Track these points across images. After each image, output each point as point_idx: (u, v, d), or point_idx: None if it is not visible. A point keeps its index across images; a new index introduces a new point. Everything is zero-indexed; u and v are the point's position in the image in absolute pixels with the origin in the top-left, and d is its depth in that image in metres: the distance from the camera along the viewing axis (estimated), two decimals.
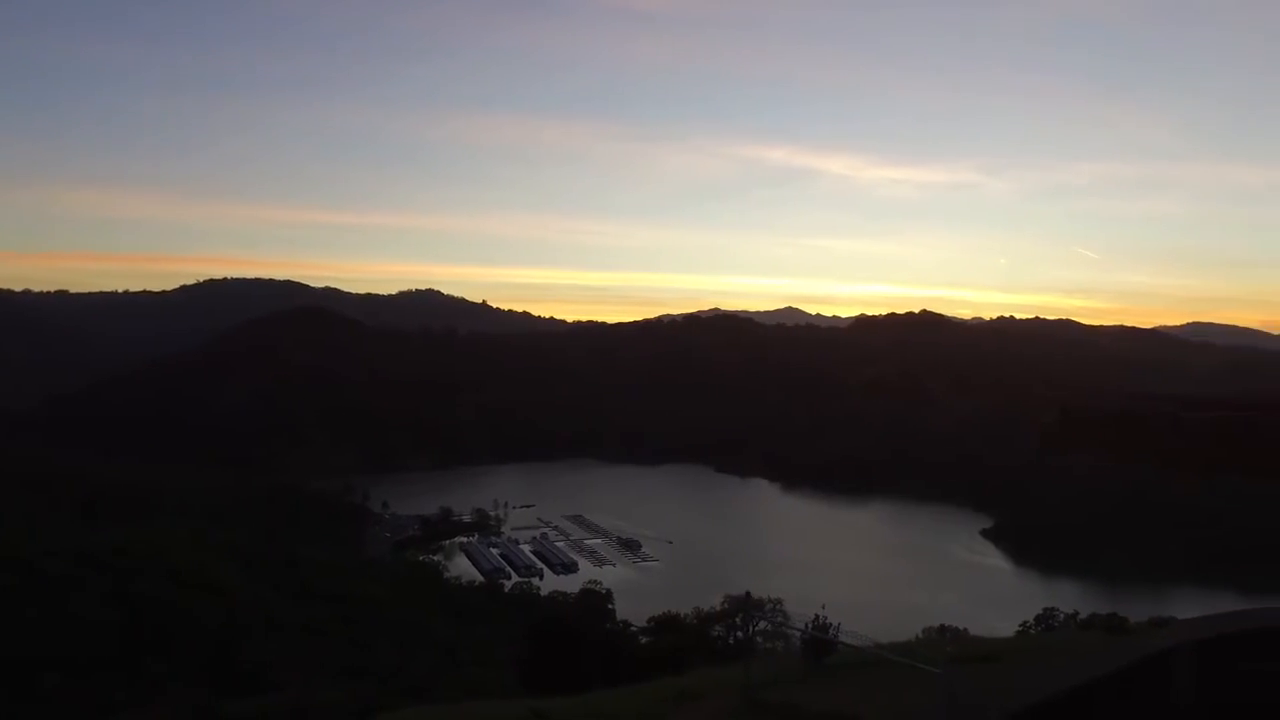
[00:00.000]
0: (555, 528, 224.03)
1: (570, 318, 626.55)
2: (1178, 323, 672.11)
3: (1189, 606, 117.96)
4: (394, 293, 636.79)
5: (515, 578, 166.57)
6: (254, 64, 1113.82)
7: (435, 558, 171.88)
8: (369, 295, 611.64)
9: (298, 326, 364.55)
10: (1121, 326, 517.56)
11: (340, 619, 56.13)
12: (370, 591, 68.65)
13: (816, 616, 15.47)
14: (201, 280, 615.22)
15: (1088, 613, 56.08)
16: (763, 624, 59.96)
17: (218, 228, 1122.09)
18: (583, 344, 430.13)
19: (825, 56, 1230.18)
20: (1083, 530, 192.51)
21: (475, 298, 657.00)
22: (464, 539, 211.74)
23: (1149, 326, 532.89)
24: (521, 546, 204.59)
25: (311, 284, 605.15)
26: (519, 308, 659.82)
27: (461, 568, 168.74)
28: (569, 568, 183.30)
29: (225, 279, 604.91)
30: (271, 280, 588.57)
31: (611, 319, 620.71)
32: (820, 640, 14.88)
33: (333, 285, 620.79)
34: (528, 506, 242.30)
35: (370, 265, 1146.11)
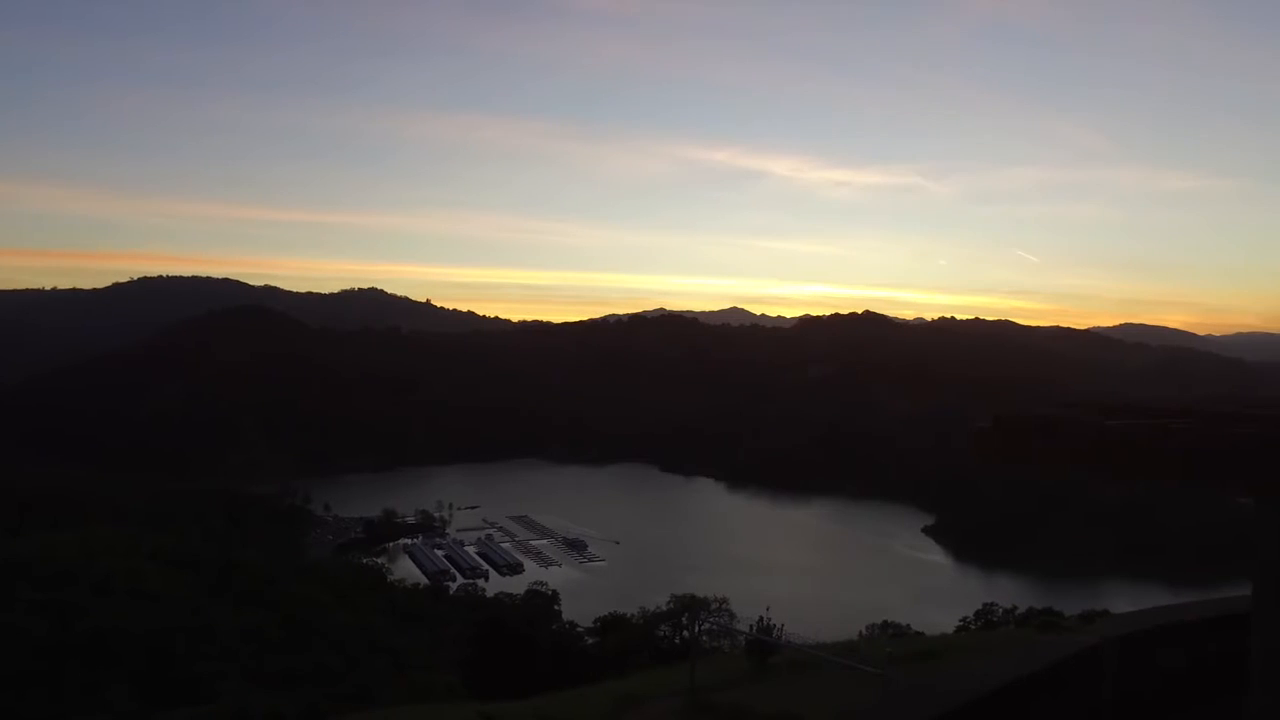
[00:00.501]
0: (500, 529, 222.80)
1: (515, 317, 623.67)
2: (1112, 323, 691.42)
3: (1119, 600, 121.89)
4: (336, 291, 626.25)
5: (460, 579, 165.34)
6: (189, 58, 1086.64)
7: (379, 560, 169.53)
8: (310, 294, 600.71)
9: (235, 325, 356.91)
10: (1058, 327, 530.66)
11: (280, 624, 55.00)
12: (311, 595, 67.35)
13: (761, 618, 15.60)
14: (135, 278, 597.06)
15: (1025, 607, 57.40)
16: (708, 623, 60.40)
17: (151, 224, 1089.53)
18: (528, 343, 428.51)
19: (769, 60, 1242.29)
20: (1020, 526, 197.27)
21: (419, 296, 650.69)
22: (408, 541, 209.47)
23: (1085, 327, 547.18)
24: (466, 548, 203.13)
25: (250, 282, 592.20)
26: (464, 307, 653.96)
27: (406, 570, 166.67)
28: (515, 569, 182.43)
29: (160, 276, 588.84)
30: (208, 278, 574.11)
31: (557, 318, 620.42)
32: (764, 641, 15.00)
33: (272, 284, 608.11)
34: (473, 508, 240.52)
35: (311, 263, 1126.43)
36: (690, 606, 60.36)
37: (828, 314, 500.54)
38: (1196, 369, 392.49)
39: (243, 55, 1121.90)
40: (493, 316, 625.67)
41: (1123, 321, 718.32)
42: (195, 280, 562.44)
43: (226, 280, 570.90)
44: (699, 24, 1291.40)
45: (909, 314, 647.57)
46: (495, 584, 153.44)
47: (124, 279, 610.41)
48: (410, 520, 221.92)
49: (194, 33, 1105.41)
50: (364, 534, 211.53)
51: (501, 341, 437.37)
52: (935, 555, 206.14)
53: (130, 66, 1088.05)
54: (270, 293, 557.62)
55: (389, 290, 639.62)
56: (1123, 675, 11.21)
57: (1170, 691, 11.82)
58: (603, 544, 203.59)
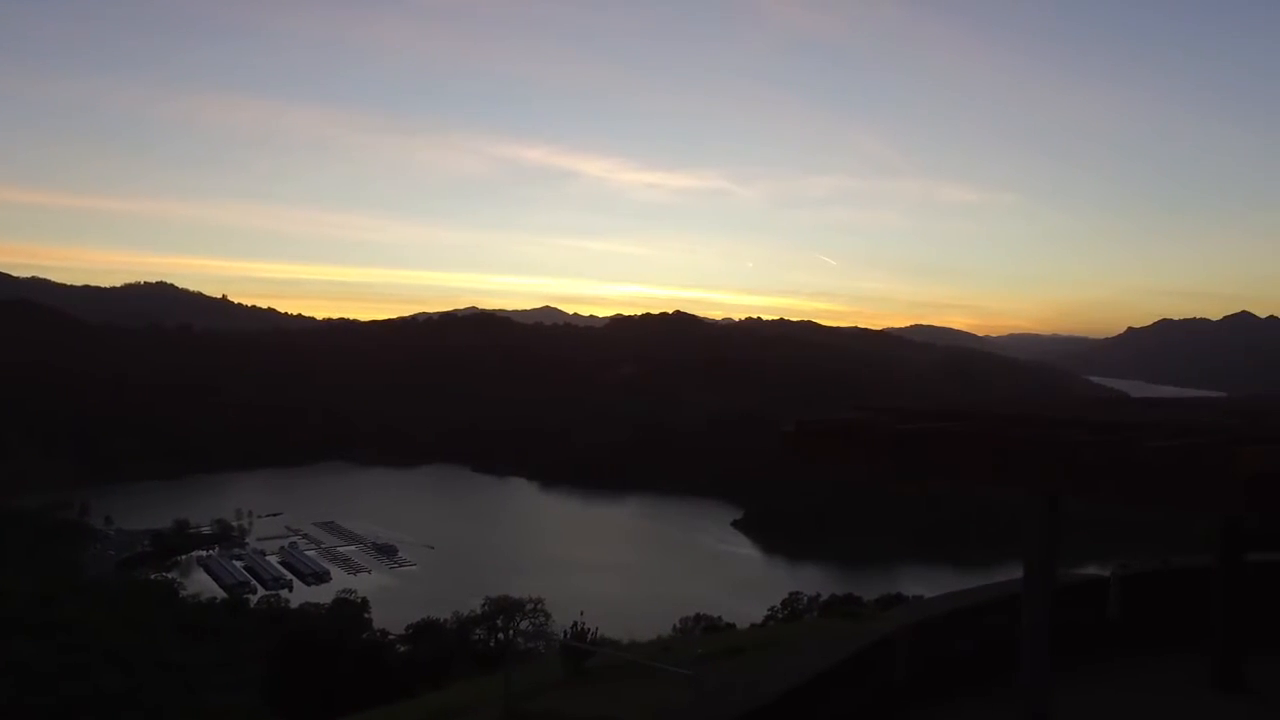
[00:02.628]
0: (305, 536, 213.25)
1: (321, 315, 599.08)
2: (904, 324, 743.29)
3: (913, 583, 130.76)
4: (119, 285, 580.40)
5: (262, 591, 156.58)
6: None
7: (169, 575, 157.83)
8: (88, 287, 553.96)
9: None
10: (856, 328, 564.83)
11: (56, 651, 50.19)
12: (91, 617, 61.87)
13: (575, 623, 15.65)
14: None
15: (828, 594, 60.47)
16: (524, 624, 60.14)
17: None
18: (334, 342, 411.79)
19: (583, 61, 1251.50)
20: (823, 516, 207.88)
21: (214, 292, 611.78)
22: (203, 553, 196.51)
23: (880, 328, 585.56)
24: (268, 557, 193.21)
25: (14, 273, 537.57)
26: (264, 304, 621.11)
27: (201, 584, 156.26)
28: (321, 577, 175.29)
29: None
30: None
31: (365, 316, 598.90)
32: (579, 647, 15.04)
33: (41, 275, 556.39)
34: (275, 515, 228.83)
35: (88, 253, 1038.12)
36: (505, 609, 60.01)
37: (639, 314, 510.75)
38: (977, 367, 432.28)
39: (11, 22, 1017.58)
40: (296, 314, 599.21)
41: (913, 323, 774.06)
42: None
43: None
44: (514, 21, 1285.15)
45: (718, 314, 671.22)
46: (300, 594, 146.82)
47: None
48: (206, 531, 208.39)
49: None
50: (152, 547, 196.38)
51: (306, 340, 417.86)
52: (744, 548, 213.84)
53: None
54: (39, 285, 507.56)
55: (180, 285, 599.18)
56: (914, 660, 12.04)
57: (959, 672, 12.81)
58: (414, 548, 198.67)
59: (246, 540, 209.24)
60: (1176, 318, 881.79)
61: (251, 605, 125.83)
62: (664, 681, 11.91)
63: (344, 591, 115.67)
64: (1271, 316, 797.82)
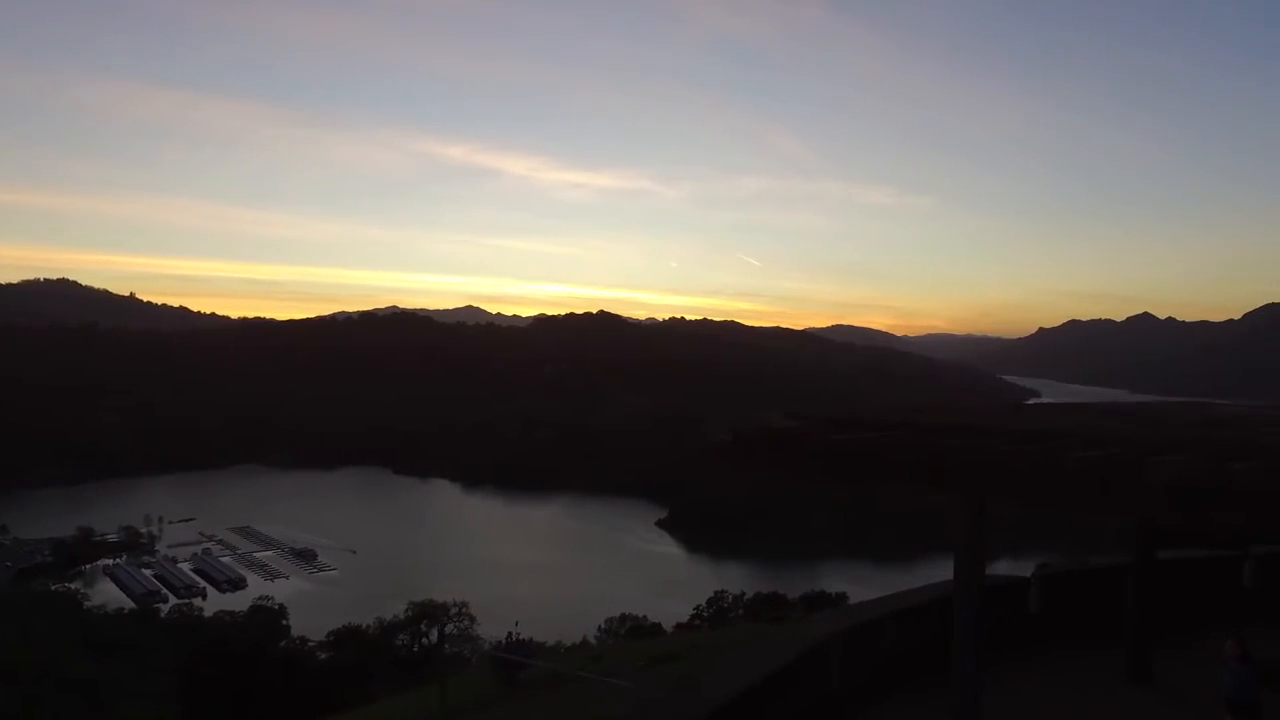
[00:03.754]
0: (220, 542, 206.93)
1: (235, 314, 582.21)
2: (825, 324, 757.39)
3: (836, 579, 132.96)
4: (16, 282, 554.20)
5: (174, 600, 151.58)
6: None
7: (72, 586, 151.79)
8: None
9: None
10: (778, 328, 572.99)
11: None
12: None
13: (510, 633, 15.49)
14: None
15: (753, 592, 61.11)
16: (450, 628, 59.40)
17: None
18: (250, 342, 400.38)
19: (506, 57, 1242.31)
20: (747, 514, 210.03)
21: (121, 290, 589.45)
22: (110, 561, 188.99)
23: (801, 328, 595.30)
24: (180, 565, 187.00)
25: None
26: (174, 302, 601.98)
27: (108, 594, 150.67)
28: (237, 584, 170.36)
29: None
30: None
31: (282, 315, 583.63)
32: (512, 661, 14.89)
33: None
34: (187, 520, 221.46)
35: None
36: (429, 613, 59.16)
37: (563, 313, 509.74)
38: (897, 367, 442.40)
39: None
40: (209, 313, 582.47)
41: (835, 323, 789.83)
42: None
43: None
44: (436, 16, 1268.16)
45: (641, 314, 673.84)
46: (215, 602, 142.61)
47: None
48: (112, 538, 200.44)
49: None
50: (53, 557, 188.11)
51: (219, 340, 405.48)
52: (669, 546, 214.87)
53: None
54: None
55: (84, 282, 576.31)
56: (848, 663, 12.27)
57: (890, 673, 13.10)
58: (334, 552, 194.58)
59: (156, 547, 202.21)
60: (1084, 319, 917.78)
61: (162, 615, 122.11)
62: (601, 692, 11.87)
63: (261, 598, 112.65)
64: (1170, 318, 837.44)
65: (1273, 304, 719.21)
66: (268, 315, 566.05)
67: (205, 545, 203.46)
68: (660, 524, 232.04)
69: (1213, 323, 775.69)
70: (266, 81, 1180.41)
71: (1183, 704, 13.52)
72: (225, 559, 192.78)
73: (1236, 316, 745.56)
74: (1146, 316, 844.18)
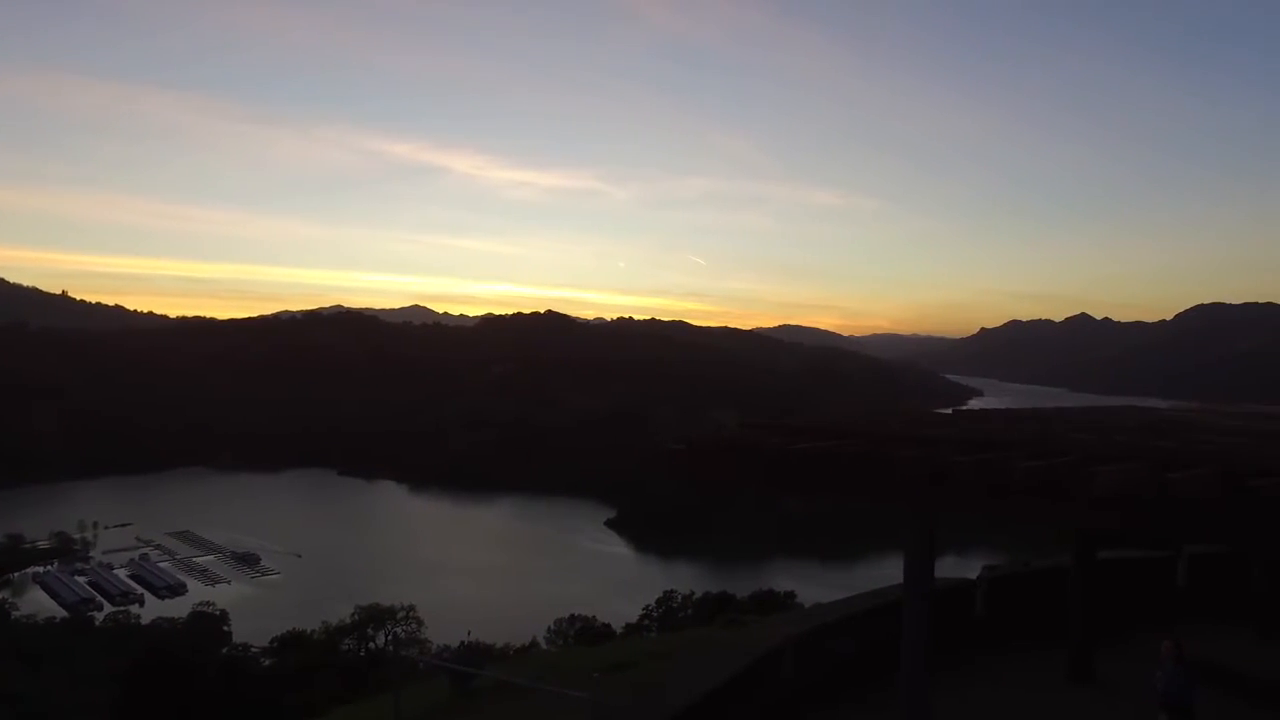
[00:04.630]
0: (158, 547, 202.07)
1: (174, 313, 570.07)
2: (773, 324, 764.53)
3: (782, 577, 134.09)
4: None
5: (109, 607, 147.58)
6: None
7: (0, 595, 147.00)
8: None
9: None
10: (726, 328, 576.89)
11: None
12: None
13: (461, 642, 15.39)
14: None
15: (702, 592, 61.43)
16: (397, 631, 58.78)
17: None
18: (190, 342, 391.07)
19: (453, 53, 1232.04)
20: (694, 514, 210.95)
21: (52, 288, 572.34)
22: (40, 569, 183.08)
23: (749, 328, 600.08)
24: (116, 571, 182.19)
25: None
26: (109, 300, 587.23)
27: (38, 603, 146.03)
28: (176, 590, 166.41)
29: None
30: None
31: (223, 315, 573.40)
32: (464, 672, 14.74)
33: None
34: (124, 525, 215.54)
35: None
36: (376, 617, 58.48)
37: (510, 313, 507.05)
38: (844, 367, 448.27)
39: None
40: (146, 312, 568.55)
41: (782, 323, 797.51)
42: None
43: None
44: (384, 10, 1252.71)
45: (590, 314, 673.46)
46: (153, 609, 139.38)
47: None
48: (43, 545, 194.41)
49: None
50: None
51: (157, 340, 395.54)
52: (618, 547, 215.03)
53: None
54: None
55: (12, 279, 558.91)
56: (801, 668, 12.41)
57: (841, 676, 13.30)
58: (278, 556, 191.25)
59: (91, 554, 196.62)
60: (1024, 319, 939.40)
61: (97, 623, 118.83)
62: (555, 702, 11.81)
63: (201, 604, 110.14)
64: (1107, 318, 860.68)
65: (1203, 305, 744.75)
66: (208, 314, 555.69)
67: (143, 551, 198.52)
68: (609, 524, 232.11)
69: (1147, 323, 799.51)
70: (207, 75, 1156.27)
71: (1122, 703, 13.89)
72: (164, 564, 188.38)
73: (1169, 317, 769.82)
74: (1084, 317, 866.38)
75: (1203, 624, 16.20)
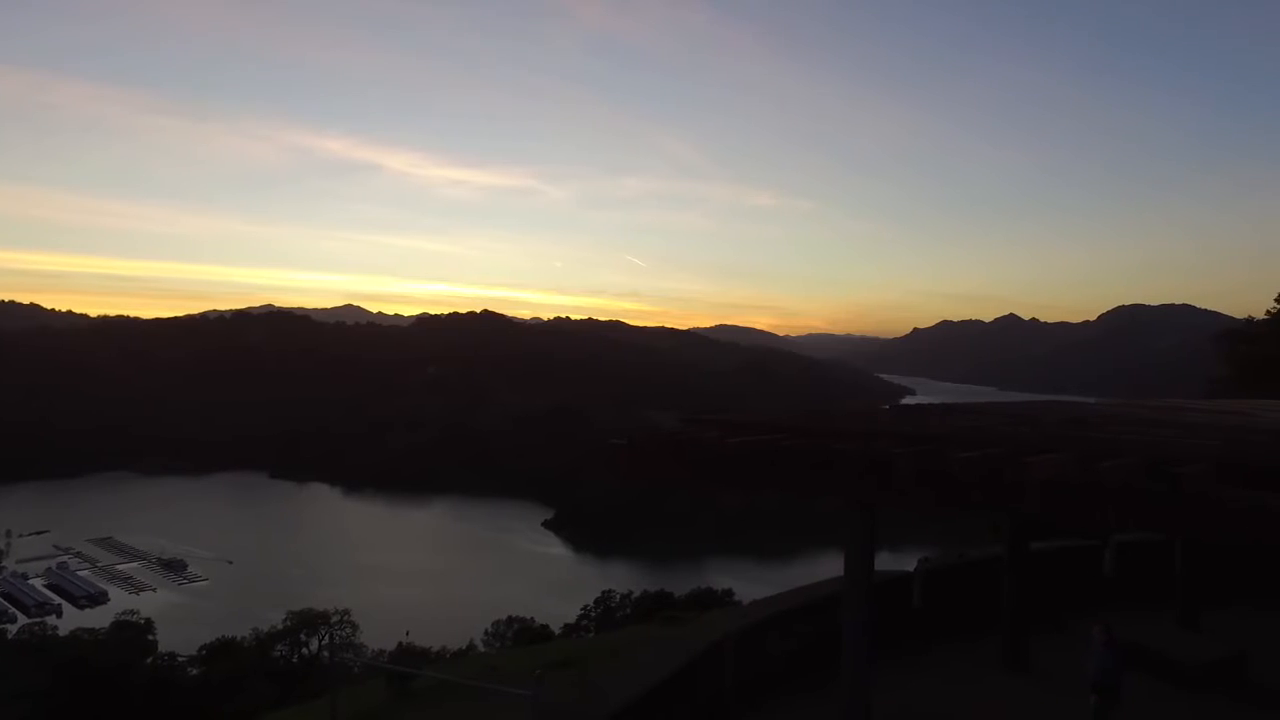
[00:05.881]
0: (78, 554, 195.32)
1: (94, 312, 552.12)
2: (710, 324, 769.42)
3: (719, 575, 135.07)
4: None
5: (24, 619, 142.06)
6: None
7: None
8: None
9: None
10: (664, 328, 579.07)
11: None
12: None
13: (400, 643, 15.12)
14: None
15: (640, 591, 61.51)
16: (331, 636, 57.67)
17: None
18: (111, 342, 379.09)
19: (387, 50, 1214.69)
20: (631, 514, 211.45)
21: None
22: None
23: (686, 328, 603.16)
24: (31, 581, 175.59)
25: None
26: (24, 298, 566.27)
27: None
28: (97, 599, 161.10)
29: None
30: None
31: (146, 314, 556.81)
32: (404, 673, 14.50)
33: None
34: (40, 533, 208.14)
35: None
36: (309, 622, 57.32)
37: (446, 313, 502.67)
38: (780, 366, 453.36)
39: None
40: (64, 311, 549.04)
41: (718, 323, 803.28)
42: None
43: None
44: (313, 4, 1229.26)
45: (526, 314, 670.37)
46: (72, 619, 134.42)
47: None
48: None
49: None
50: None
51: (76, 340, 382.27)
52: (555, 547, 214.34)
53: None
54: None
55: None
56: (740, 663, 12.47)
57: (781, 670, 13.41)
58: (206, 562, 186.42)
59: (3, 563, 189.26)
60: (955, 319, 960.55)
61: (10, 636, 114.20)
62: (492, 702, 11.67)
63: (125, 613, 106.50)
64: (1034, 319, 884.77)
65: (1123, 306, 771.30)
66: (131, 313, 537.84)
67: (61, 559, 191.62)
68: (547, 525, 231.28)
69: (1071, 324, 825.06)
70: (128, 66, 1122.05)
71: (1054, 688, 14.27)
72: (84, 573, 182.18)
73: (1093, 318, 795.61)
74: (1013, 317, 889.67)
75: (1130, 609, 16.73)
